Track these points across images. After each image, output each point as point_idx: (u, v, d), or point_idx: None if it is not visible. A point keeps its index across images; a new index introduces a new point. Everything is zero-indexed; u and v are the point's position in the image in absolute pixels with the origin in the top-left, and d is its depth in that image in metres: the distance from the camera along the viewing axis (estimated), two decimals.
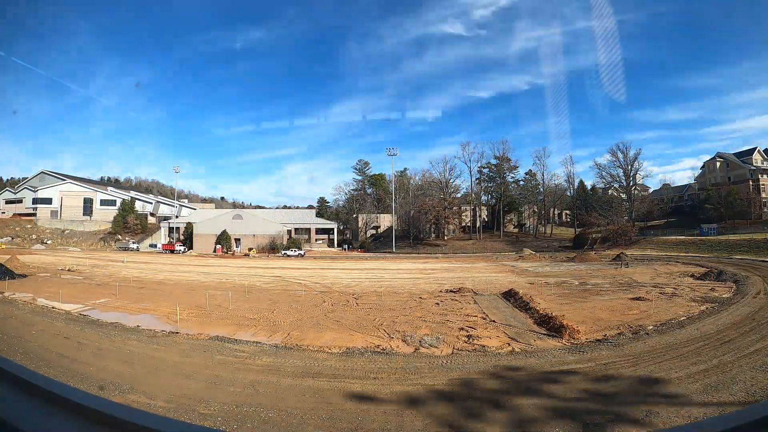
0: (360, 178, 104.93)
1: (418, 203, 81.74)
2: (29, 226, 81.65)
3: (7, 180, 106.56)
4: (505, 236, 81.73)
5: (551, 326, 13.54)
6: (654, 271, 32.15)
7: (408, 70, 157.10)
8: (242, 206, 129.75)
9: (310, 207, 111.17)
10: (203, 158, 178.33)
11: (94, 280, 27.61)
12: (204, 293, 20.02)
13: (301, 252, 65.39)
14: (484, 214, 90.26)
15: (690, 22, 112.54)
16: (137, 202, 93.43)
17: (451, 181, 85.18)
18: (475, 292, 22.01)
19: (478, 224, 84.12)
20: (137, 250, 69.86)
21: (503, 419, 6.94)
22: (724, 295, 19.29)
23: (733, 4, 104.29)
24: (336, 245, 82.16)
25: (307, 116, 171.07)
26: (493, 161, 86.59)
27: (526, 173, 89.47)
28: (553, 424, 6.64)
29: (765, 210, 70.77)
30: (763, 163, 77.22)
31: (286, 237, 73.84)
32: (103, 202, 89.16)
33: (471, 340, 12.36)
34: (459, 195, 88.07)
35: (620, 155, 78.24)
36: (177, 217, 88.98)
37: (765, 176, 75.37)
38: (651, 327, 13.20)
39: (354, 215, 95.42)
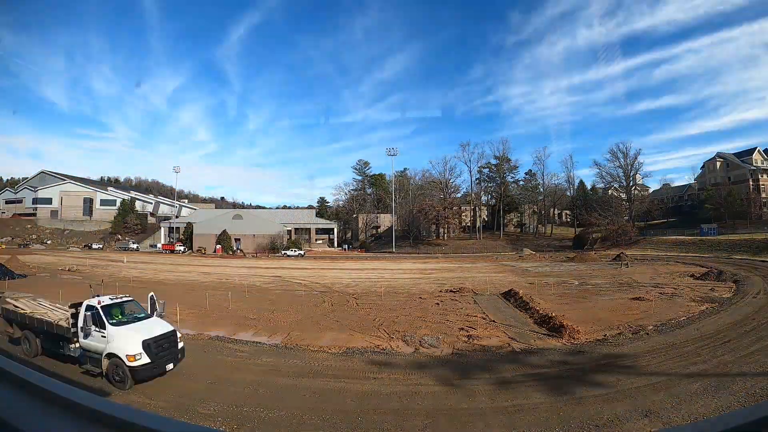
0: (360, 178, 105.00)
1: (418, 203, 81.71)
2: (29, 226, 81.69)
3: (7, 180, 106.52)
4: (505, 236, 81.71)
5: (551, 326, 13.54)
6: (654, 271, 32.14)
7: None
8: (242, 206, 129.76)
9: (310, 207, 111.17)
10: (203, 158, 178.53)
11: (94, 281, 27.59)
12: (204, 293, 20.00)
13: (301, 252, 65.37)
14: (485, 214, 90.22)
15: None
16: (137, 202, 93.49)
17: (451, 181, 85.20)
18: (475, 292, 22.00)
19: (478, 224, 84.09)
20: (137, 250, 69.88)
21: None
22: (724, 295, 19.29)
23: None
24: (336, 245, 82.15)
25: (308, 116, 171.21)
26: (493, 161, 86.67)
27: (526, 173, 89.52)
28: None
29: (765, 210, 70.72)
30: (763, 163, 77.19)
31: (286, 237, 73.82)
32: (103, 202, 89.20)
33: (471, 339, 12.36)
34: (459, 195, 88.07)
35: (620, 155, 78.33)
36: (177, 217, 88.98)
37: (765, 176, 75.35)
38: (651, 327, 13.20)
39: (354, 215, 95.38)
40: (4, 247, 64.97)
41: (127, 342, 8.32)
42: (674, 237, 63.80)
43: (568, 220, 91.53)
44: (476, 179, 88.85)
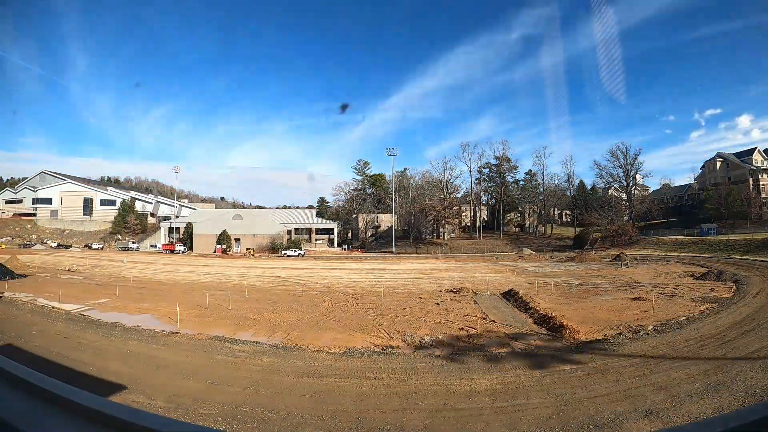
0: (360, 178, 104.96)
1: (418, 203, 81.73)
2: (29, 226, 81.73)
3: (7, 180, 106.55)
4: (505, 236, 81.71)
5: (551, 326, 13.54)
6: (654, 271, 32.14)
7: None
8: (242, 206, 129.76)
9: (310, 207, 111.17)
10: (203, 158, 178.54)
11: (94, 280, 27.61)
12: (204, 293, 20.01)
13: (301, 252, 65.38)
14: (484, 214, 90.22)
15: None
16: (137, 202, 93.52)
17: (451, 181, 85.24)
18: (475, 292, 22.00)
19: (478, 224, 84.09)
20: (137, 250, 69.89)
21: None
22: (724, 295, 19.28)
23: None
24: (336, 245, 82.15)
25: (309, 116, 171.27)
26: (493, 161, 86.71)
27: (526, 173, 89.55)
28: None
29: (765, 210, 70.72)
30: (763, 163, 77.21)
31: (286, 237, 73.85)
32: (103, 202, 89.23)
33: (471, 339, 12.36)
34: (459, 195, 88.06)
35: (620, 155, 78.37)
36: (177, 217, 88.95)
37: (765, 176, 75.37)
38: (651, 327, 13.19)
39: (354, 215, 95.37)
40: (3, 247, 64.99)
41: None
42: (674, 237, 63.83)
43: (568, 220, 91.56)
44: (476, 179, 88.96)
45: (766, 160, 77.60)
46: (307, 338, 12.57)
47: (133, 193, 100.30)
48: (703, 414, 6.79)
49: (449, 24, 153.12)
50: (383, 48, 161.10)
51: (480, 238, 79.64)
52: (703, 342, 11.34)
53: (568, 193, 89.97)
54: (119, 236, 78.46)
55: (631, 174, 78.32)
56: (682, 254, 50.04)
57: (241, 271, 36.49)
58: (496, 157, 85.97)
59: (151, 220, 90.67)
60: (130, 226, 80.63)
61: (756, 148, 78.68)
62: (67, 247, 70.80)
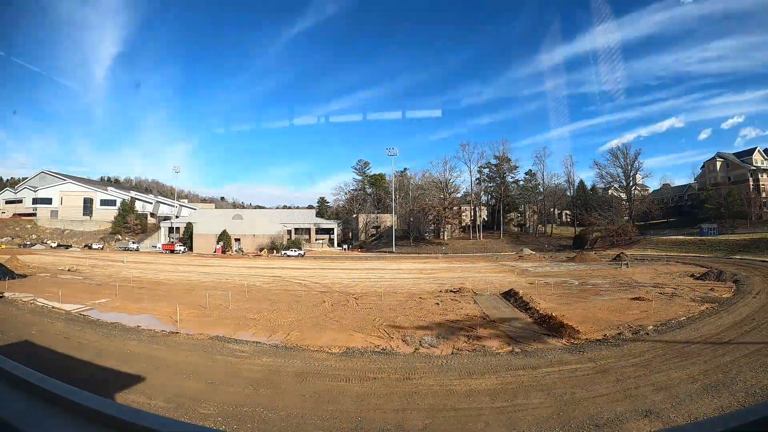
0: (360, 178, 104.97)
1: (418, 203, 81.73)
2: (29, 226, 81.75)
3: (7, 180, 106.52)
4: (505, 236, 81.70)
5: (551, 326, 13.55)
6: (654, 271, 32.14)
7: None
8: (242, 206, 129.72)
9: (310, 207, 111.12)
10: (204, 158, 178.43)
11: (94, 280, 27.62)
12: (204, 293, 20.01)
13: (301, 252, 65.38)
14: (484, 214, 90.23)
15: None
16: (137, 202, 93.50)
17: (451, 181, 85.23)
18: (475, 292, 22.00)
19: (478, 224, 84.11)
20: (137, 250, 69.91)
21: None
22: (723, 295, 19.28)
23: None
24: (336, 245, 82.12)
25: (309, 116, 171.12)
26: (493, 161, 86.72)
27: (526, 173, 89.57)
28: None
29: (765, 210, 70.75)
30: (763, 163, 77.22)
31: (286, 237, 73.84)
32: (103, 202, 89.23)
33: (471, 339, 12.37)
34: (459, 195, 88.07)
35: (620, 155, 78.40)
36: (177, 217, 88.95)
37: (765, 176, 75.39)
38: (651, 327, 13.20)
39: (354, 215, 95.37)
40: (3, 247, 65.01)
41: None
42: (674, 237, 63.84)
43: (568, 220, 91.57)
44: (476, 179, 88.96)
45: (766, 160, 77.61)
46: (307, 338, 12.57)
47: (133, 193, 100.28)
48: (703, 414, 6.79)
49: (448, 25, 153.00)
50: (384, 49, 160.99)
51: (480, 238, 79.65)
52: (703, 342, 11.35)
53: (568, 193, 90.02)
54: (119, 236, 78.46)
55: (631, 174, 78.36)
56: (682, 254, 50.04)
57: (241, 271, 36.49)
58: (496, 157, 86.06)
59: (151, 220, 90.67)
60: (130, 226, 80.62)
61: (756, 148, 78.70)
62: (67, 247, 70.81)
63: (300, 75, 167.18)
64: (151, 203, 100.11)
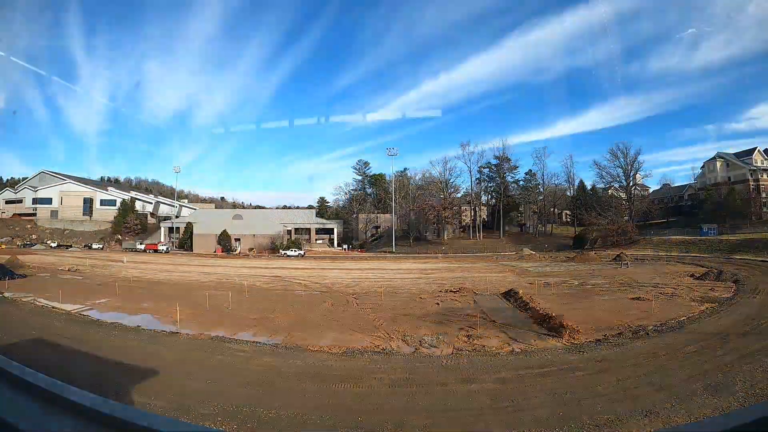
0: (360, 178, 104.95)
1: (418, 203, 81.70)
2: (29, 226, 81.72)
3: (7, 180, 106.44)
4: (506, 236, 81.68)
5: (551, 326, 13.54)
6: (654, 271, 32.14)
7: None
8: (242, 206, 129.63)
9: (310, 207, 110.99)
10: (203, 158, 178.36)
11: (94, 281, 27.62)
12: (204, 293, 20.00)
13: (301, 252, 65.35)
14: (485, 214, 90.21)
15: None
16: (137, 202, 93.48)
17: (451, 181, 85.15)
18: (475, 292, 22.00)
19: (478, 224, 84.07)
20: (134, 250, 69.98)
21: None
22: (723, 295, 19.28)
23: None
24: (336, 245, 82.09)
25: (308, 116, 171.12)
26: (493, 161, 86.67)
27: (526, 173, 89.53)
28: None
29: (765, 210, 70.74)
30: (763, 163, 77.18)
31: (286, 237, 73.82)
32: (103, 202, 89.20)
33: (471, 339, 12.36)
34: (459, 195, 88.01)
35: (620, 155, 78.31)
36: (177, 217, 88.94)
37: (765, 176, 75.37)
38: (651, 327, 13.20)
39: (354, 215, 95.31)
40: (3, 246, 65.01)
41: None
42: (674, 237, 63.80)
43: (568, 220, 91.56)
44: (476, 179, 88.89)
45: (766, 160, 77.59)
46: (307, 338, 12.56)
47: (133, 193, 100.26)
48: (703, 414, 6.79)
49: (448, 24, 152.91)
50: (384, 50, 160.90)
51: (480, 238, 79.63)
52: (703, 342, 11.35)
53: (568, 193, 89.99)
54: (119, 236, 78.41)
55: (631, 174, 78.27)
56: (682, 254, 50.04)
57: (241, 271, 36.49)
58: (496, 157, 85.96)
59: (151, 220, 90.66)
60: (130, 226, 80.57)
61: (756, 148, 78.64)
62: (68, 247, 70.83)
63: (300, 75, 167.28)
64: (151, 203, 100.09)
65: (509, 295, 20.00)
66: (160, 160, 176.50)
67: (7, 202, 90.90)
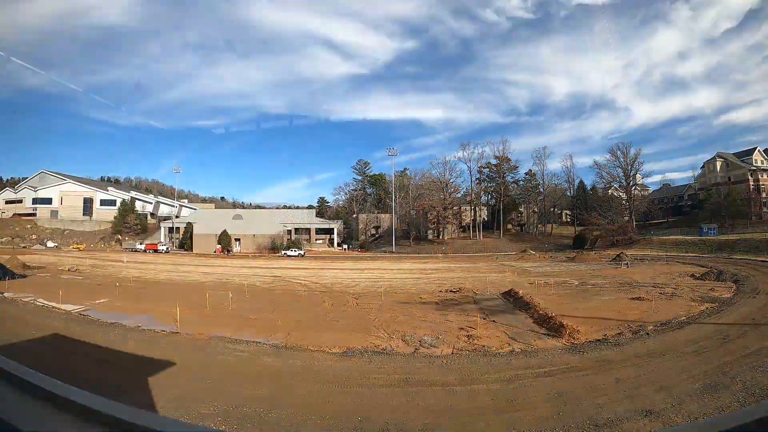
0: (360, 178, 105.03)
1: (418, 203, 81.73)
2: (29, 226, 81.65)
3: (7, 180, 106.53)
4: (505, 236, 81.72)
5: (551, 326, 13.54)
6: (654, 271, 32.13)
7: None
8: (242, 206, 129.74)
9: (310, 207, 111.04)
10: (204, 158, 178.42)
11: (94, 281, 27.62)
12: (204, 293, 20.00)
13: (301, 252, 65.35)
14: (484, 213, 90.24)
15: None
16: (137, 202, 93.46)
17: (451, 181, 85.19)
18: (475, 292, 22.01)
19: (478, 224, 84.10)
20: (134, 250, 69.97)
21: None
22: (724, 295, 19.27)
23: None
24: (336, 245, 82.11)
25: (309, 116, 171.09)
26: (493, 161, 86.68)
27: (526, 173, 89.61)
28: None
29: (765, 210, 70.76)
30: (763, 163, 77.25)
31: (286, 237, 73.83)
32: (103, 202, 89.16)
33: (471, 339, 12.36)
34: (459, 195, 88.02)
35: (620, 155, 78.31)
36: (177, 217, 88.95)
37: (765, 176, 75.39)
38: (651, 327, 13.19)
39: (354, 215, 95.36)
40: (3, 247, 64.99)
41: None
42: (674, 237, 63.81)
43: (568, 219, 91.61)
44: (476, 179, 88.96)
45: (766, 160, 77.63)
46: (307, 338, 12.56)
47: (133, 193, 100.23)
48: (703, 414, 6.79)
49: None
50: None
51: (480, 238, 79.67)
52: (703, 342, 11.34)
53: (568, 193, 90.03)
54: (119, 236, 78.40)
55: (631, 174, 78.28)
56: (682, 254, 50.02)
57: (241, 271, 36.49)
58: (496, 157, 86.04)
59: (151, 220, 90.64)
60: (130, 226, 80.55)
61: (756, 148, 78.73)
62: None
63: (300, 74, 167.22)
64: (151, 203, 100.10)
65: (509, 295, 20.01)
66: (160, 160, 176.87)
67: (7, 202, 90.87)
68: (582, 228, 78.48)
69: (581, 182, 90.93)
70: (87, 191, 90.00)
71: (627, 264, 39.00)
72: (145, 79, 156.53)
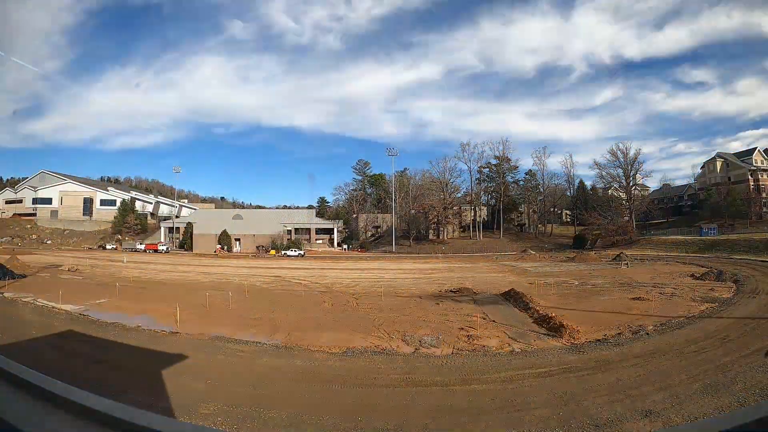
0: (360, 178, 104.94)
1: (418, 203, 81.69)
2: (29, 226, 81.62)
3: (7, 180, 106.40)
4: (505, 236, 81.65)
5: (551, 326, 13.53)
6: (654, 271, 32.13)
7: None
8: (242, 206, 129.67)
9: (310, 207, 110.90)
10: (203, 158, 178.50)
11: (94, 280, 27.61)
12: (204, 293, 19.99)
13: (302, 252, 65.33)
14: (484, 214, 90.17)
15: None
16: (137, 202, 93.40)
17: (451, 181, 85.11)
18: (475, 292, 22.00)
19: (478, 224, 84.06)
20: (134, 250, 69.96)
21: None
22: (723, 295, 19.27)
23: None
24: (336, 245, 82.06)
25: (309, 116, 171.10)
26: (493, 161, 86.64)
27: (526, 173, 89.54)
28: None
29: (765, 210, 70.73)
30: (763, 163, 77.19)
31: (286, 237, 73.81)
32: (103, 202, 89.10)
33: (471, 339, 12.36)
34: (459, 195, 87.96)
35: (620, 155, 78.26)
36: (177, 217, 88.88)
37: (765, 176, 75.36)
38: (651, 327, 13.19)
39: (354, 215, 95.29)
40: (3, 246, 64.98)
41: None
42: (674, 237, 63.77)
43: (568, 220, 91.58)
44: (476, 179, 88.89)
45: (766, 160, 77.59)
46: (307, 338, 12.56)
47: (133, 193, 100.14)
48: (703, 414, 6.79)
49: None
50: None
51: (480, 238, 79.61)
52: (703, 342, 11.34)
53: (568, 193, 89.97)
54: (119, 236, 78.36)
55: (631, 174, 78.22)
56: (682, 254, 50.01)
57: (241, 271, 36.49)
58: (496, 157, 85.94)
59: (151, 220, 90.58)
60: (130, 226, 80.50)
61: (756, 148, 78.70)
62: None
63: (300, 75, 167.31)
64: (151, 203, 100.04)
65: (509, 295, 19.99)
66: (159, 160, 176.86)
67: (7, 202, 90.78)
68: (582, 228, 78.46)
69: (581, 182, 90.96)
70: (87, 191, 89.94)
71: (627, 264, 38.99)
72: (144, 77, 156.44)
